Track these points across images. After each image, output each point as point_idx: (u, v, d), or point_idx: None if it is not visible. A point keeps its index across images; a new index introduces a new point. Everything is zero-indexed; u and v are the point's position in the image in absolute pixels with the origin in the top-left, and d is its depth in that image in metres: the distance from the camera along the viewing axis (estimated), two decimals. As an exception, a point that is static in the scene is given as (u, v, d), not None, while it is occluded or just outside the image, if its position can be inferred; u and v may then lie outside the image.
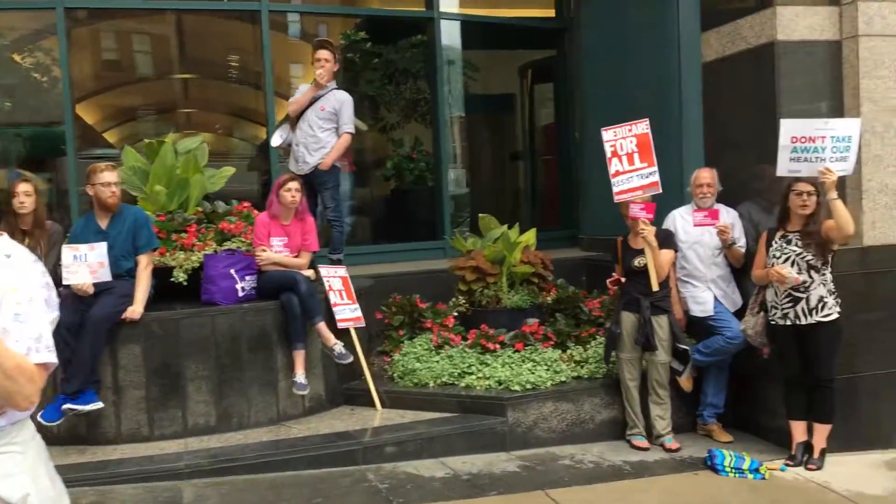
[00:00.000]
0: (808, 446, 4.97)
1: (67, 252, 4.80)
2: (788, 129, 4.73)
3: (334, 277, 5.73)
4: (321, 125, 6.15)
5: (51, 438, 4.90)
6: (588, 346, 5.84)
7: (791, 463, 4.93)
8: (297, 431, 5.12)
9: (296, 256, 5.61)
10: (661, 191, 5.21)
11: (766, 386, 5.36)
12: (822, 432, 4.93)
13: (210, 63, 11.10)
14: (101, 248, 4.86)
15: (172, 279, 5.35)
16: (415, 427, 5.13)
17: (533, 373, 5.48)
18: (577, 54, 8.82)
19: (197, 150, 6.15)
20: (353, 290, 5.81)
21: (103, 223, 5.06)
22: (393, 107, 9.84)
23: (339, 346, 5.32)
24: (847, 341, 5.02)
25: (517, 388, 5.35)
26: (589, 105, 8.25)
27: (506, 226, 6.43)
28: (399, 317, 6.38)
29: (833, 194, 4.62)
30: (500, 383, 5.44)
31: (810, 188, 4.75)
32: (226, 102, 12.21)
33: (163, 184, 5.79)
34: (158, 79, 10.99)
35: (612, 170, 5.22)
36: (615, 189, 5.22)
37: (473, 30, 9.06)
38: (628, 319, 5.27)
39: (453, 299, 6.40)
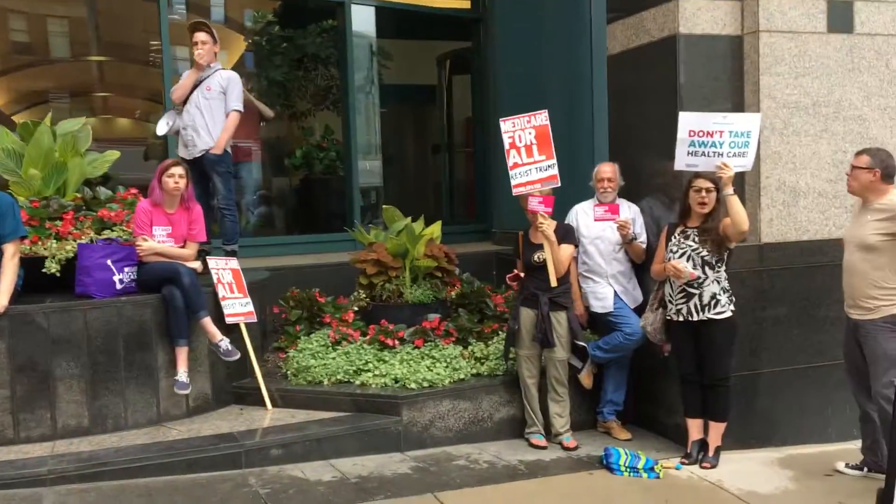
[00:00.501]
0: (704, 444, 4.93)
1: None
2: (686, 122, 4.65)
3: (224, 269, 5.43)
4: (209, 107, 5.89)
5: None
6: (490, 342, 5.70)
7: (687, 461, 4.88)
8: (177, 433, 4.82)
9: (182, 247, 5.29)
10: (559, 184, 5.08)
11: (666, 383, 5.32)
12: (717, 430, 4.89)
13: (127, 46, 10.57)
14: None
15: (44, 270, 4.98)
16: (305, 428, 4.89)
17: (431, 370, 5.31)
18: (491, 46, 8.70)
19: (78, 132, 5.77)
20: (244, 283, 5.52)
21: (-38, 208, 4.65)
22: (303, 93, 9.54)
23: (224, 343, 5.04)
24: (745, 339, 5.01)
25: (413, 385, 5.17)
26: (502, 97, 8.13)
27: (409, 218, 6.24)
28: (297, 311, 6.13)
29: (729, 190, 4.56)
30: (396, 381, 5.25)
31: (709, 185, 4.70)
32: (144, 86, 11.63)
33: (38, 168, 5.40)
34: (72, 61, 10.42)
35: (510, 162, 5.07)
36: (513, 182, 5.06)
37: (387, 16, 8.81)
38: (527, 315, 5.14)
39: (354, 294, 6.18)
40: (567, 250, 5.11)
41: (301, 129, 9.65)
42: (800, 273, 5.24)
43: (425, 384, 5.17)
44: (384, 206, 6.38)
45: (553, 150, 5.04)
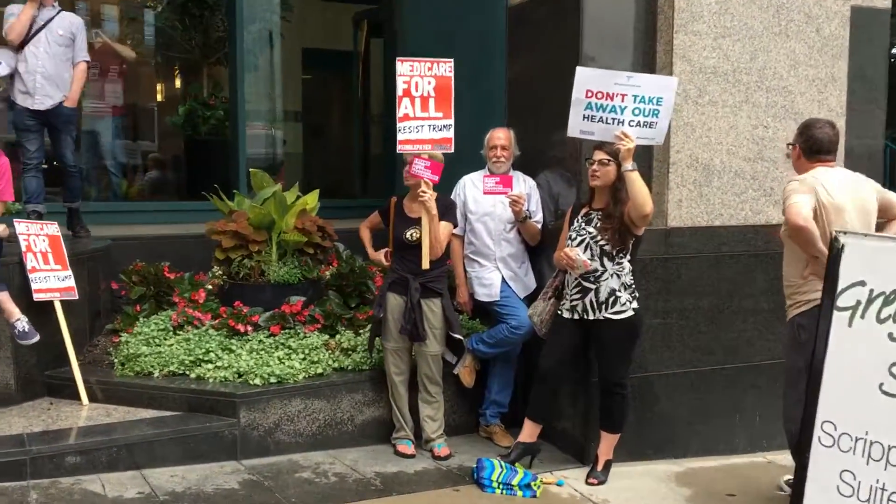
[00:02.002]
0: (529, 448, 4.29)
1: None
2: (583, 79, 3.91)
3: (38, 236, 4.54)
4: (60, 53, 5.27)
5: None
6: (364, 331, 4.93)
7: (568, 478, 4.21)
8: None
9: (-20, 207, 4.38)
10: (451, 149, 4.32)
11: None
12: (608, 442, 4.22)
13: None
14: None
15: None
16: (114, 430, 4.06)
17: (283, 362, 4.52)
18: (400, 4, 7.88)
19: None
20: (65, 252, 4.63)
21: None
22: (189, 44, 8.55)
23: (21, 323, 4.17)
24: (645, 335, 4.34)
25: (258, 381, 4.37)
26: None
27: (278, 185, 5.40)
28: (140, 288, 5.26)
29: (628, 165, 3.84)
30: (239, 375, 4.45)
31: (603, 156, 3.99)
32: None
33: None
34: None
35: (399, 112, 4.24)
36: (400, 137, 4.25)
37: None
38: (394, 302, 4.39)
39: (211, 271, 5.34)
40: (446, 228, 4.37)
41: (186, 84, 8.69)
42: (710, 262, 4.60)
43: (273, 380, 4.38)
44: (251, 170, 5.52)
45: (452, 108, 4.26)
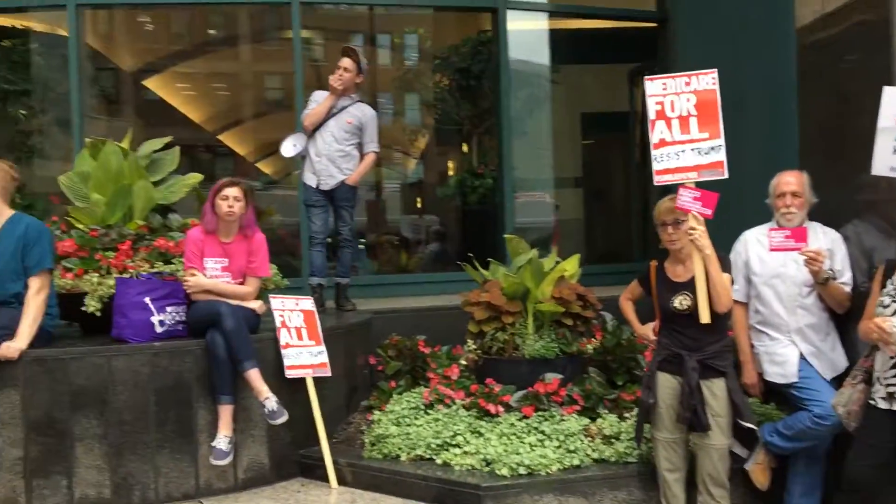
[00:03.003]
0: None
1: (-68, 271, 3.85)
2: (893, 102, 3.02)
3: (293, 311, 4.49)
4: (347, 138, 5.58)
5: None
6: (630, 414, 4.28)
7: None
8: (208, 514, 3.90)
9: (239, 283, 4.42)
10: (725, 174, 3.58)
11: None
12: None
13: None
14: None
15: (84, 308, 4.32)
16: (354, 521, 3.78)
17: (534, 450, 3.99)
18: (674, 59, 7.24)
19: (162, 154, 5.17)
20: (319, 327, 4.55)
21: (-8, 237, 4.10)
22: (458, 115, 8.57)
23: (270, 402, 4.06)
24: None
25: (505, 471, 3.87)
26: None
27: (534, 251, 4.96)
28: (396, 363, 5.06)
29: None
30: (486, 463, 3.99)
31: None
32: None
33: (105, 192, 4.81)
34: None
35: (654, 138, 3.64)
36: (656, 167, 3.62)
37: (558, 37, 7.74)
38: (667, 384, 3.67)
39: (466, 344, 5.01)
40: (727, 280, 3.58)
41: (458, 155, 8.72)
42: None
43: (522, 470, 3.86)
44: (506, 236, 5.15)
45: (721, 126, 3.57)
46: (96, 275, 4.37)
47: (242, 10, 8.98)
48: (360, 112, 5.65)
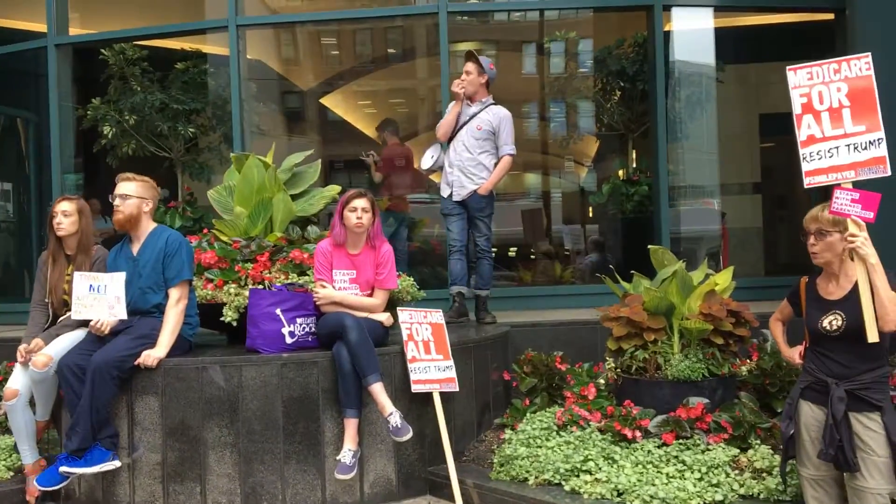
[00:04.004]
0: None
1: (82, 281, 4.08)
2: None
3: (421, 324, 4.39)
4: (478, 146, 5.47)
5: (68, 500, 4.26)
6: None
7: None
8: (330, 528, 3.86)
9: (368, 295, 4.38)
10: (888, 170, 3.10)
11: None
12: None
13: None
14: (119, 277, 4.09)
15: (222, 319, 4.45)
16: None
17: (672, 481, 3.64)
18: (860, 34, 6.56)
19: (304, 167, 5.28)
20: (447, 341, 4.42)
21: (135, 248, 4.30)
22: (614, 120, 8.21)
23: (395, 417, 3.96)
24: None
25: (637, 504, 3.56)
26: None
27: (681, 262, 4.59)
28: (530, 380, 4.85)
29: None
30: (618, 493, 3.68)
31: None
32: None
33: (247, 205, 4.95)
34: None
35: (801, 135, 3.21)
36: (805, 167, 3.17)
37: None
38: (810, 414, 3.22)
39: (605, 362, 4.72)
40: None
41: (611, 162, 8.38)
42: None
43: (656, 503, 3.52)
44: (651, 247, 4.80)
45: (880, 117, 3.10)
46: (234, 285, 4.48)
47: (416, 24, 9.07)
48: (492, 115, 5.50)
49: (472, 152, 5.50)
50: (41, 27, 7.77)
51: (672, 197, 7.23)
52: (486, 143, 5.51)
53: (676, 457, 3.81)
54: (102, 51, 7.33)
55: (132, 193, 4.20)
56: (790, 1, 7.30)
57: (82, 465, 3.92)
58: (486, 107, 5.54)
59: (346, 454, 3.98)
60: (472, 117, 5.52)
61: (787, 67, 3.25)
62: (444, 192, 5.63)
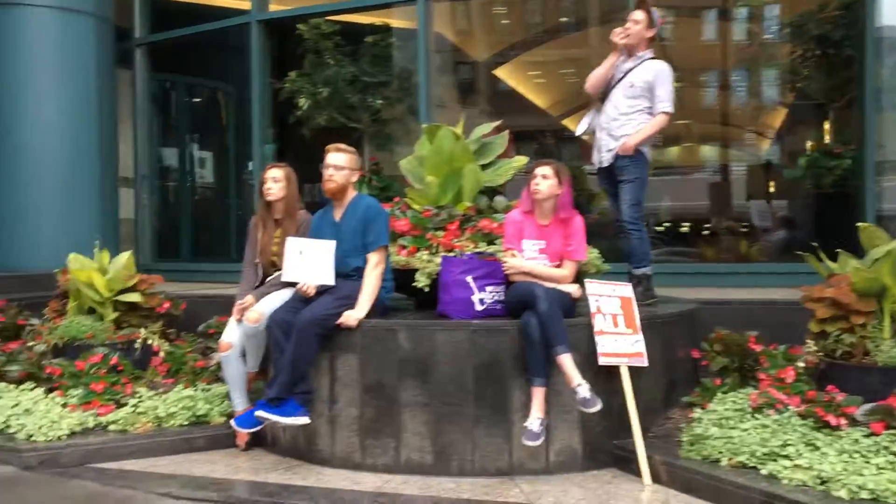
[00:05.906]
0: None
1: (294, 246, 4.36)
2: None
3: (609, 297, 4.35)
4: (631, 104, 4.93)
5: (273, 447, 4.59)
6: None
7: None
8: (517, 494, 3.92)
9: (557, 266, 4.39)
10: None
11: None
12: None
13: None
14: (330, 246, 4.33)
15: (415, 284, 4.61)
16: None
17: (882, 473, 3.42)
18: None
19: (491, 137, 5.33)
20: (636, 315, 4.36)
21: (337, 214, 4.53)
22: (814, 89, 7.70)
23: (583, 389, 3.96)
24: None
25: (843, 493, 3.37)
26: None
27: (896, 242, 4.28)
28: (722, 359, 4.70)
29: None
30: (821, 481, 3.51)
31: None
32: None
33: (438, 174, 5.08)
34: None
35: None
36: None
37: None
38: None
39: (805, 345, 4.49)
40: None
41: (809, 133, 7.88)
42: None
43: (864, 495, 3.33)
44: (860, 225, 4.49)
45: None
46: (426, 253, 4.63)
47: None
48: (647, 70, 4.89)
49: (622, 111, 4.94)
50: (243, 4, 8.27)
51: (877, 171, 6.72)
52: (640, 100, 4.90)
53: (887, 448, 3.57)
54: (299, 26, 7.71)
55: (344, 165, 4.42)
56: None
57: (277, 412, 4.19)
58: (643, 62, 4.93)
59: (534, 422, 4.04)
60: (626, 74, 4.95)
61: None
62: (594, 160, 5.14)
